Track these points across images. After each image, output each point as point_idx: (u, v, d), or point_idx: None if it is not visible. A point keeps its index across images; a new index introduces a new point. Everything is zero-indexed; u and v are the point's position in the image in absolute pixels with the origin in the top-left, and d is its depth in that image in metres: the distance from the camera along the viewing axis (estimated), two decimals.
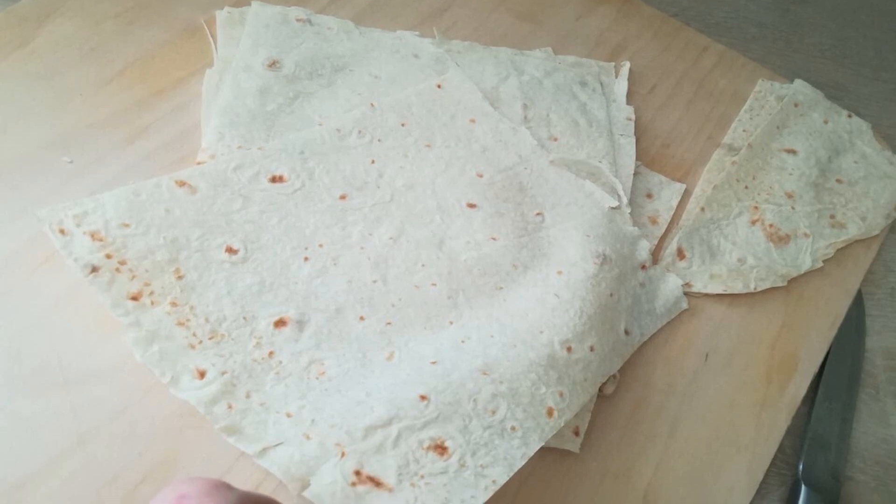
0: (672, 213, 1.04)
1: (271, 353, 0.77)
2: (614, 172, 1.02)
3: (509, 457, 0.70)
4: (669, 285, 0.96)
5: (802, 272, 1.02)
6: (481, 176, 0.96)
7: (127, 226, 0.78)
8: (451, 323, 0.84)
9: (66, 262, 0.75)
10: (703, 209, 1.03)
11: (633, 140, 1.10)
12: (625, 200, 1.00)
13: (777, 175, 1.10)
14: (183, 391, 0.73)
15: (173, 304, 0.77)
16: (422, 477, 0.68)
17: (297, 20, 1.07)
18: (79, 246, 0.76)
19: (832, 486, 0.88)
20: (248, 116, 0.94)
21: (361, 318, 0.82)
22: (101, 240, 0.76)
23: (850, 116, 1.22)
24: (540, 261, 0.91)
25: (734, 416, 0.89)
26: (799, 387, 0.93)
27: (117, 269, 0.76)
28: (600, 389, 0.85)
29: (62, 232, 0.76)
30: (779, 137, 1.15)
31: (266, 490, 0.72)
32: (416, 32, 1.13)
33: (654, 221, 1.02)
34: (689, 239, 1.00)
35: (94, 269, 0.75)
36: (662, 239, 1.01)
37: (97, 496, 0.69)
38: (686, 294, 0.97)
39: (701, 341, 0.94)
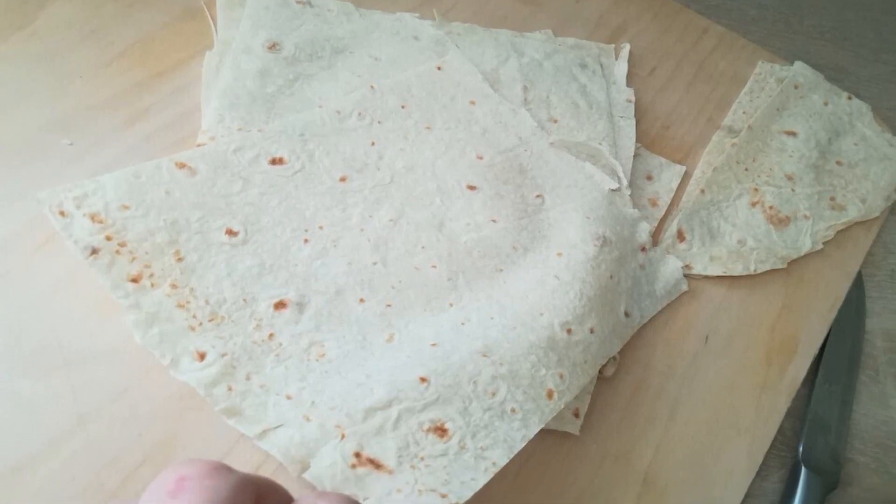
0: (672, 195, 1.04)
1: (271, 335, 0.77)
2: (614, 154, 1.02)
3: (509, 439, 0.71)
4: (669, 267, 0.96)
5: (802, 254, 1.02)
6: (481, 158, 0.96)
7: (127, 208, 0.78)
8: (451, 305, 0.84)
9: (66, 244, 0.74)
10: (702, 191, 1.03)
11: (633, 122, 1.10)
12: (625, 182, 1.00)
13: (777, 157, 1.10)
14: (183, 373, 0.73)
15: (173, 286, 0.77)
16: (422, 459, 0.68)
17: (297, 2, 1.07)
18: (79, 228, 0.75)
19: (832, 468, 0.88)
20: (247, 98, 0.94)
21: (361, 300, 0.82)
22: (101, 222, 0.76)
23: (850, 98, 1.22)
24: (540, 243, 0.91)
25: (734, 399, 0.89)
26: (799, 369, 0.93)
27: (117, 251, 0.76)
28: (600, 371, 0.85)
29: (62, 214, 0.75)
30: (779, 119, 1.15)
31: (266, 472, 0.72)
32: (416, 14, 1.13)
33: (654, 203, 1.02)
34: (688, 221, 1.00)
35: (94, 251, 0.75)
36: (662, 221, 1.01)
37: (97, 477, 0.69)
38: (686, 276, 0.97)
39: (701, 323, 0.94)
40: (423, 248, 0.87)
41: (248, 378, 0.74)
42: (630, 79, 1.17)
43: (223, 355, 0.74)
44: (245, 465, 0.72)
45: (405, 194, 0.90)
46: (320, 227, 0.85)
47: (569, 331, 0.80)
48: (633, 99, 1.13)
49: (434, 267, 0.86)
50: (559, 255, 0.88)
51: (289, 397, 0.73)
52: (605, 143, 1.03)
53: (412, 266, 0.85)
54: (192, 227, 0.80)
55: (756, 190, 1.05)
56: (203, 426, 0.73)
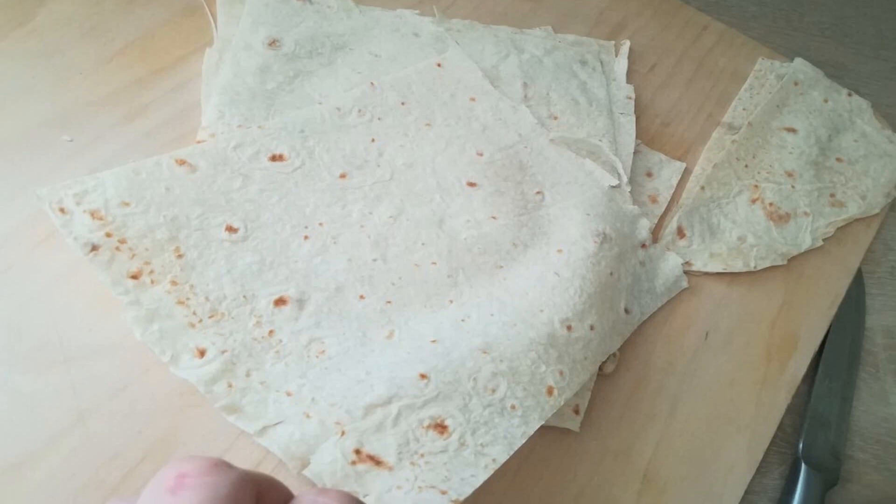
0: (672, 191, 1.04)
1: (271, 332, 0.77)
2: (614, 151, 1.02)
3: (509, 435, 0.71)
4: (669, 264, 0.96)
5: (802, 251, 1.02)
6: (481, 154, 0.96)
7: (127, 204, 0.78)
8: (451, 302, 0.84)
9: (66, 240, 0.75)
10: (703, 188, 1.03)
11: (633, 119, 1.10)
12: (625, 179, 1.00)
13: (777, 154, 1.10)
14: (183, 370, 0.73)
15: (173, 283, 0.77)
16: (422, 456, 0.68)
17: None
18: (79, 224, 0.75)
19: (832, 465, 0.88)
20: (248, 95, 0.94)
21: (361, 297, 0.82)
22: (101, 218, 0.76)
23: (850, 95, 1.22)
24: (540, 239, 0.91)
25: (734, 395, 0.89)
26: (799, 365, 0.93)
27: (117, 248, 0.76)
28: (600, 368, 0.85)
29: (62, 211, 0.75)
30: (779, 116, 1.15)
31: (266, 468, 0.72)
32: (416, 11, 1.13)
33: (654, 200, 1.02)
34: (689, 218, 1.00)
35: (94, 248, 0.75)
36: (662, 217, 1.01)
37: (97, 474, 0.69)
38: (686, 273, 0.97)
39: (701, 320, 0.94)
40: (423, 244, 0.87)
41: (248, 375, 0.74)
42: (630, 75, 1.17)
43: (223, 352, 0.74)
44: (245, 461, 0.72)
45: (405, 191, 0.90)
46: (320, 224, 0.85)
47: (569, 327, 0.80)
48: (633, 96, 1.13)
49: (434, 264, 0.86)
50: (559, 251, 0.88)
51: (289, 394, 0.73)
52: (605, 139, 1.03)
53: (412, 263, 0.85)
54: (192, 223, 0.80)
55: (756, 187, 1.05)
56: (203, 423, 0.73)
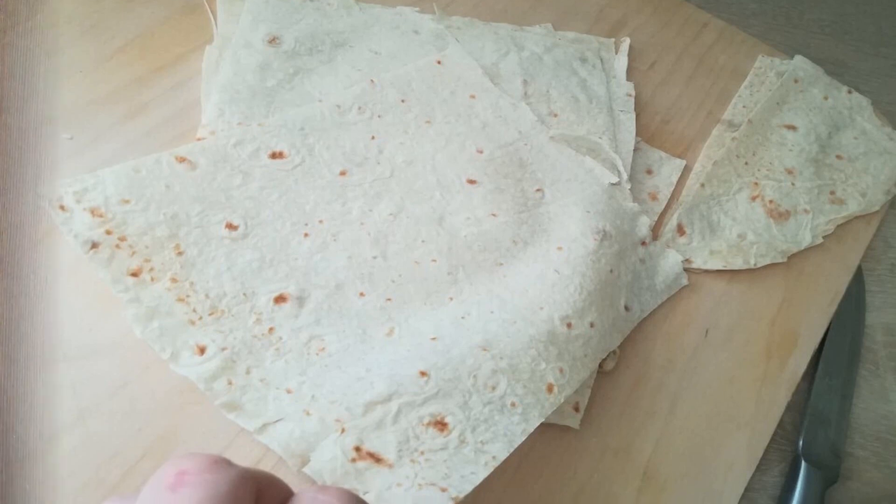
0: (672, 189, 1.04)
1: (271, 330, 0.77)
2: (614, 148, 1.02)
3: (509, 433, 0.71)
4: (669, 261, 0.96)
5: (802, 248, 1.02)
6: (481, 152, 0.96)
7: (127, 202, 0.78)
8: (451, 299, 0.84)
9: (66, 238, 0.75)
10: (703, 185, 1.03)
11: (633, 116, 1.09)
12: (625, 176, 1.00)
13: (777, 151, 1.10)
14: (183, 367, 0.73)
15: (173, 281, 0.77)
16: (422, 453, 0.68)
17: None
18: (79, 222, 0.75)
19: (832, 462, 0.88)
20: (248, 93, 0.94)
21: (361, 294, 0.82)
22: (101, 216, 0.76)
23: (850, 92, 1.22)
24: (540, 237, 0.91)
25: (734, 392, 0.89)
26: (799, 363, 0.93)
27: (117, 246, 0.76)
28: (600, 365, 0.85)
29: (62, 208, 0.76)
30: (779, 113, 1.15)
31: (266, 466, 0.72)
32: (416, 8, 1.12)
33: (654, 197, 1.02)
34: (689, 215, 1.00)
35: (94, 246, 0.75)
36: (662, 215, 1.01)
37: (97, 473, 0.69)
38: (686, 270, 0.97)
39: (701, 317, 0.94)
40: (423, 242, 0.87)
41: (248, 372, 0.74)
42: (630, 73, 1.17)
43: (223, 349, 0.74)
44: (245, 459, 0.72)
45: (405, 188, 0.90)
46: (320, 221, 0.85)
47: (569, 325, 0.80)
48: (633, 93, 1.13)
49: (434, 261, 0.86)
50: (559, 249, 0.88)
51: (289, 391, 0.73)
52: (605, 137, 1.03)
53: (412, 260, 0.85)
54: (192, 221, 0.80)
55: (756, 184, 1.05)
56: (203, 420, 0.73)
